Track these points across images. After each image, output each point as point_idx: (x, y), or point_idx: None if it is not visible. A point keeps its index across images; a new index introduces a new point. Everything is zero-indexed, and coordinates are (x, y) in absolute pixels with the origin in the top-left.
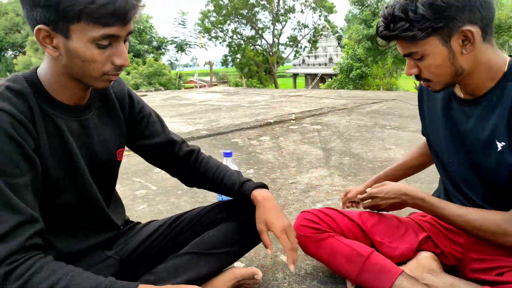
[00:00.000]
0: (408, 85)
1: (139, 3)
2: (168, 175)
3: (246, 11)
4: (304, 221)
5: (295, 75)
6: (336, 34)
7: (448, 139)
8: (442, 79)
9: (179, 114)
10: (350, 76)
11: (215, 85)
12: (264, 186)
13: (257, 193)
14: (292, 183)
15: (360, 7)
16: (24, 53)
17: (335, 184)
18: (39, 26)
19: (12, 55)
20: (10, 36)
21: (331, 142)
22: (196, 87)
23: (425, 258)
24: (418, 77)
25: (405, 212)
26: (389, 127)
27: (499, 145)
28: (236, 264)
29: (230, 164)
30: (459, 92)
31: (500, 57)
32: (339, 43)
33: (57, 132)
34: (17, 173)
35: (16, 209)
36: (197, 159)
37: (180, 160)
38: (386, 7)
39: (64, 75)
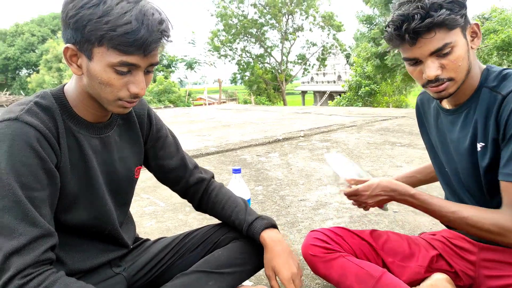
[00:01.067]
0: None
1: (165, 38)
2: None
3: (255, 30)
4: (314, 240)
5: (303, 93)
6: (345, 52)
7: (440, 149)
8: (462, 75)
9: (188, 130)
10: (359, 93)
11: (223, 102)
12: (273, 225)
13: (266, 235)
14: (301, 200)
15: (368, 26)
16: (37, 72)
17: (344, 201)
18: (68, 45)
19: (26, 74)
20: (25, 56)
21: None
22: (205, 104)
23: (440, 280)
24: (434, 81)
25: (415, 231)
26: (399, 144)
27: (479, 146)
28: (244, 282)
29: (239, 180)
30: (445, 103)
31: (478, 63)
32: (347, 61)
33: (78, 148)
34: (38, 187)
35: (34, 222)
36: (206, 190)
37: (190, 187)
38: (409, 2)
39: (87, 93)
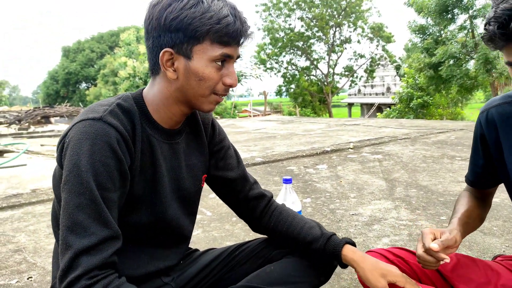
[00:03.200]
0: (475, 115)
1: (250, 30)
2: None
3: (302, 43)
4: None
5: (350, 105)
6: (394, 64)
7: None
8: None
9: (234, 141)
10: (411, 106)
11: (268, 114)
12: (353, 243)
13: (350, 250)
14: (353, 214)
15: (421, 36)
16: (95, 85)
17: (401, 218)
18: (166, 49)
19: (85, 87)
20: (84, 70)
21: (394, 172)
22: (250, 116)
23: None
24: None
25: (488, 255)
26: (460, 158)
27: None
28: None
29: (290, 191)
30: None
31: None
32: (397, 72)
33: (151, 152)
34: (111, 188)
35: (106, 223)
36: (268, 207)
37: (249, 202)
38: None
39: (172, 98)
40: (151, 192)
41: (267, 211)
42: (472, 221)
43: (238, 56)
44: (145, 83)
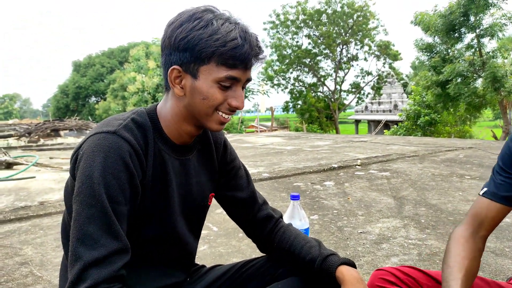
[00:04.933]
0: (483, 133)
1: (261, 55)
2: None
3: (309, 60)
4: (380, 282)
5: (357, 121)
6: (402, 81)
7: None
8: None
9: (241, 156)
10: (418, 123)
11: (275, 129)
12: (352, 263)
13: (345, 271)
14: (361, 232)
15: (428, 54)
16: (105, 99)
17: (411, 237)
18: (174, 66)
19: (95, 101)
20: (94, 85)
21: (402, 190)
22: (257, 131)
23: None
24: None
25: (501, 276)
26: (469, 177)
27: None
28: None
29: (298, 207)
30: None
31: None
32: (404, 90)
33: (162, 167)
34: (122, 201)
35: (116, 235)
36: (274, 228)
37: (257, 223)
38: None
39: (181, 115)
40: (160, 207)
41: (272, 231)
42: (473, 277)
43: (248, 80)
44: (154, 97)
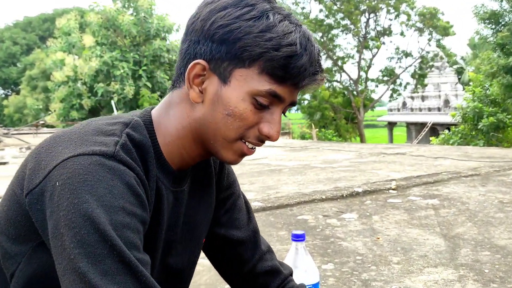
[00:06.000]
0: None
1: (319, 75)
2: None
3: (320, 34)
4: None
5: (391, 124)
6: (455, 66)
7: None
8: None
9: None
10: (479, 127)
11: None
12: None
13: None
14: None
15: (493, 27)
16: (18, 93)
17: None
18: (198, 60)
19: (3, 95)
20: (3, 71)
21: (457, 226)
22: None
23: None
24: None
25: None
26: None
27: None
28: None
29: (303, 252)
30: None
31: None
32: (459, 79)
33: (157, 202)
34: (140, 246)
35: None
36: (282, 287)
37: (257, 277)
38: None
39: (189, 130)
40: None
41: None
42: None
43: (294, 103)
44: (91, 90)
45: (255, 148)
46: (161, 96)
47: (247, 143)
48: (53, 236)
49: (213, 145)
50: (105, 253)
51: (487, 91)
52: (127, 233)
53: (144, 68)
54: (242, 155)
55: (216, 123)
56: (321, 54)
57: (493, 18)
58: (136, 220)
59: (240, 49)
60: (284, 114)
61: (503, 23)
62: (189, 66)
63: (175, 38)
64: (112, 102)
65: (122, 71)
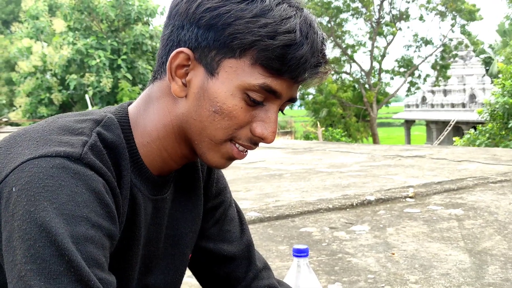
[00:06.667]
0: None
1: (322, 67)
2: None
3: (327, 19)
4: None
5: (408, 123)
6: (482, 56)
7: None
8: None
9: None
10: (510, 126)
11: None
12: None
13: None
14: None
15: None
16: None
17: None
18: (182, 48)
19: None
20: None
21: (484, 239)
22: None
23: None
24: None
25: None
26: None
27: None
28: None
29: (305, 269)
30: None
31: None
32: (487, 70)
33: (133, 212)
34: (105, 264)
35: None
36: None
37: None
38: None
39: (171, 128)
40: (118, 273)
41: None
42: None
43: (292, 100)
44: (62, 82)
45: (246, 151)
46: (143, 90)
47: (237, 145)
48: (6, 250)
49: (198, 146)
50: (61, 270)
51: None
52: (89, 247)
53: (124, 57)
54: (231, 158)
55: (201, 121)
56: (327, 42)
57: None
58: (102, 233)
59: (229, 36)
60: (281, 112)
61: None
62: (172, 55)
63: (159, 23)
64: (87, 97)
65: (98, 60)
